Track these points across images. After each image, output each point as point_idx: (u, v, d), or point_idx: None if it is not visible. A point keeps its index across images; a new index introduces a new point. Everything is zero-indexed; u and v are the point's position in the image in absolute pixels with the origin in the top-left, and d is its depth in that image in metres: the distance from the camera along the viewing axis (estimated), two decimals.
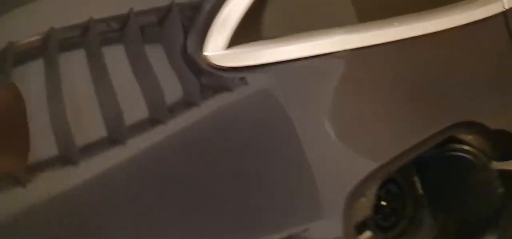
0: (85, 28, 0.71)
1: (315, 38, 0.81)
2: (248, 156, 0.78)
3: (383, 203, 1.01)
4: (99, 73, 0.71)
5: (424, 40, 0.87)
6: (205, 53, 0.75)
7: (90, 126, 0.71)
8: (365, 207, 0.87)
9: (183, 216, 0.75)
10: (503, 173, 1.01)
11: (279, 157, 0.80)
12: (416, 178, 1.05)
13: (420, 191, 1.05)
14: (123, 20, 0.72)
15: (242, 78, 0.76)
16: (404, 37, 0.86)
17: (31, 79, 0.70)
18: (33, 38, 0.69)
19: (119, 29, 0.73)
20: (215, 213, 0.77)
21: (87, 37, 0.71)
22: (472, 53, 0.95)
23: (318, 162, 0.81)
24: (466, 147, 0.98)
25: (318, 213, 0.81)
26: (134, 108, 0.73)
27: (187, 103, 0.74)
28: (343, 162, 0.83)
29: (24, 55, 0.69)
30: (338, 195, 0.82)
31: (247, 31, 0.77)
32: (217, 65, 0.75)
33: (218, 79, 0.75)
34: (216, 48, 0.75)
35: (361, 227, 0.95)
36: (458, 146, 0.98)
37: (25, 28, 0.69)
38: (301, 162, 0.80)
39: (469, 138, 0.98)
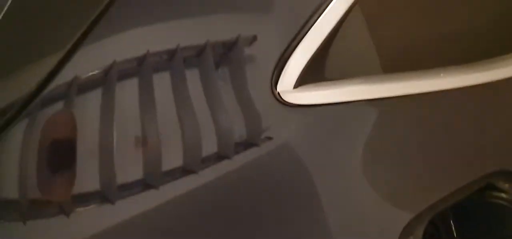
0: (142, 59, 0.76)
1: (367, 83, 0.85)
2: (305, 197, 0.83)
3: None
4: (148, 102, 0.76)
5: (466, 91, 0.91)
6: (278, 89, 0.80)
7: (131, 164, 0.75)
8: None
9: None
10: None
11: (332, 200, 0.84)
12: (451, 222, 1.08)
13: (455, 234, 1.08)
14: (171, 54, 0.77)
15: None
16: (448, 88, 0.90)
17: (89, 106, 0.74)
18: (95, 72, 0.74)
19: (167, 60, 0.77)
20: None
21: (142, 67, 0.76)
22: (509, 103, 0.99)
23: (372, 202, 0.85)
24: (503, 195, 1.02)
25: None
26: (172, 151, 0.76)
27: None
28: (393, 203, 0.87)
29: (86, 86, 0.74)
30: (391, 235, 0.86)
31: (313, 72, 0.81)
32: (287, 102, 0.80)
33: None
34: (287, 86, 0.80)
35: None
36: (496, 193, 1.02)
37: (90, 63, 0.74)
38: (354, 206, 0.85)
39: (506, 186, 1.02)
